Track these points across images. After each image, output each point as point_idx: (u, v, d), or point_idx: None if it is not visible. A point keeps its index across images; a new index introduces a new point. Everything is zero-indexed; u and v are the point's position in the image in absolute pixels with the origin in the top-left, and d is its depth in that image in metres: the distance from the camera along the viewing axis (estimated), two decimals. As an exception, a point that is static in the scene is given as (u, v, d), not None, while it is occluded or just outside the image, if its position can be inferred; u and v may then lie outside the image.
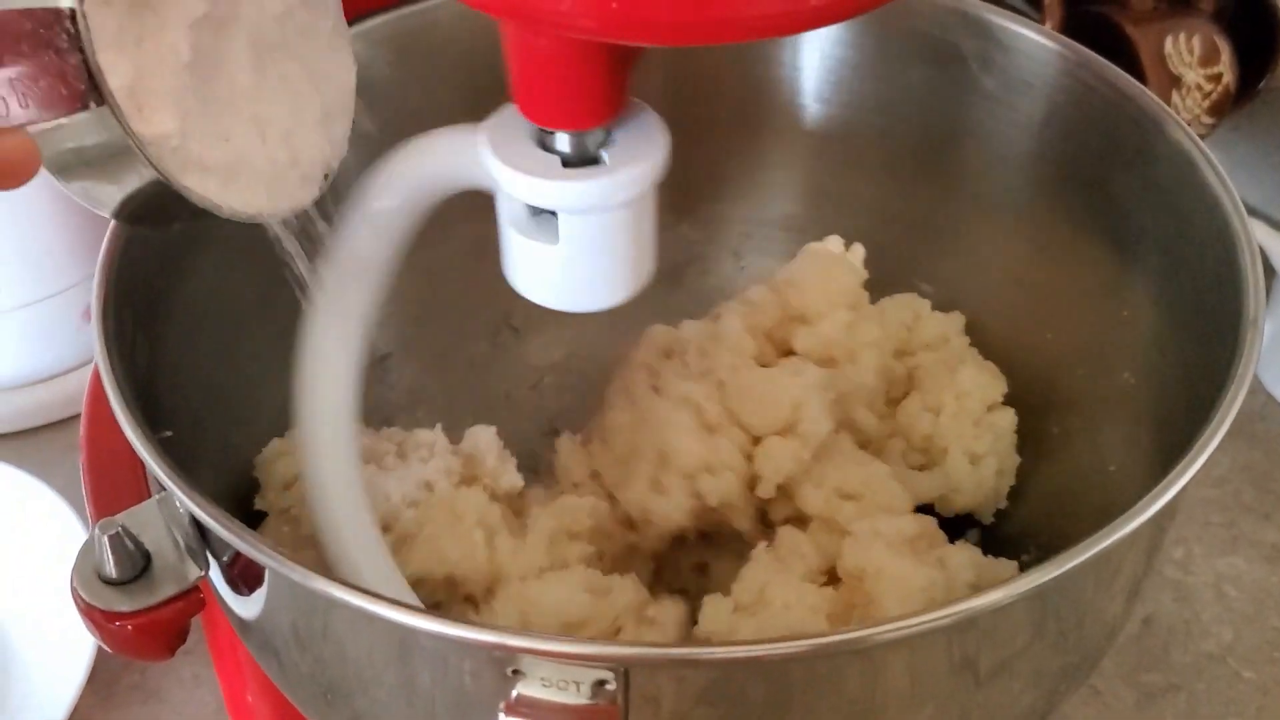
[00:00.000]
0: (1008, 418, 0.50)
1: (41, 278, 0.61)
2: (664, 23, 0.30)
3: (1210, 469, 0.35)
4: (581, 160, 0.35)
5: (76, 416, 0.64)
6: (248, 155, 0.35)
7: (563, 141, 0.35)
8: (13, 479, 0.57)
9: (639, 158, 0.35)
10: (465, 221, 0.42)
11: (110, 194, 0.34)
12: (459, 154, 0.37)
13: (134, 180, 0.33)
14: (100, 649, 0.51)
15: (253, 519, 0.46)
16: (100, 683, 0.53)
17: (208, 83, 0.34)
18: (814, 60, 0.52)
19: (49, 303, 0.61)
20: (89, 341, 0.63)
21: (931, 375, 0.51)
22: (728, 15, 0.29)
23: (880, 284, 0.55)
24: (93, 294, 0.37)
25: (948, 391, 0.50)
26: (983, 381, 0.50)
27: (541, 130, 0.35)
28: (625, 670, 0.29)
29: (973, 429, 0.49)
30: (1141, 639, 0.54)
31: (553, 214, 0.35)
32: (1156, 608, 0.55)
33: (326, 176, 0.37)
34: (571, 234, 0.35)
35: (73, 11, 0.29)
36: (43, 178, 0.56)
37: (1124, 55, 0.66)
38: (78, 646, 0.51)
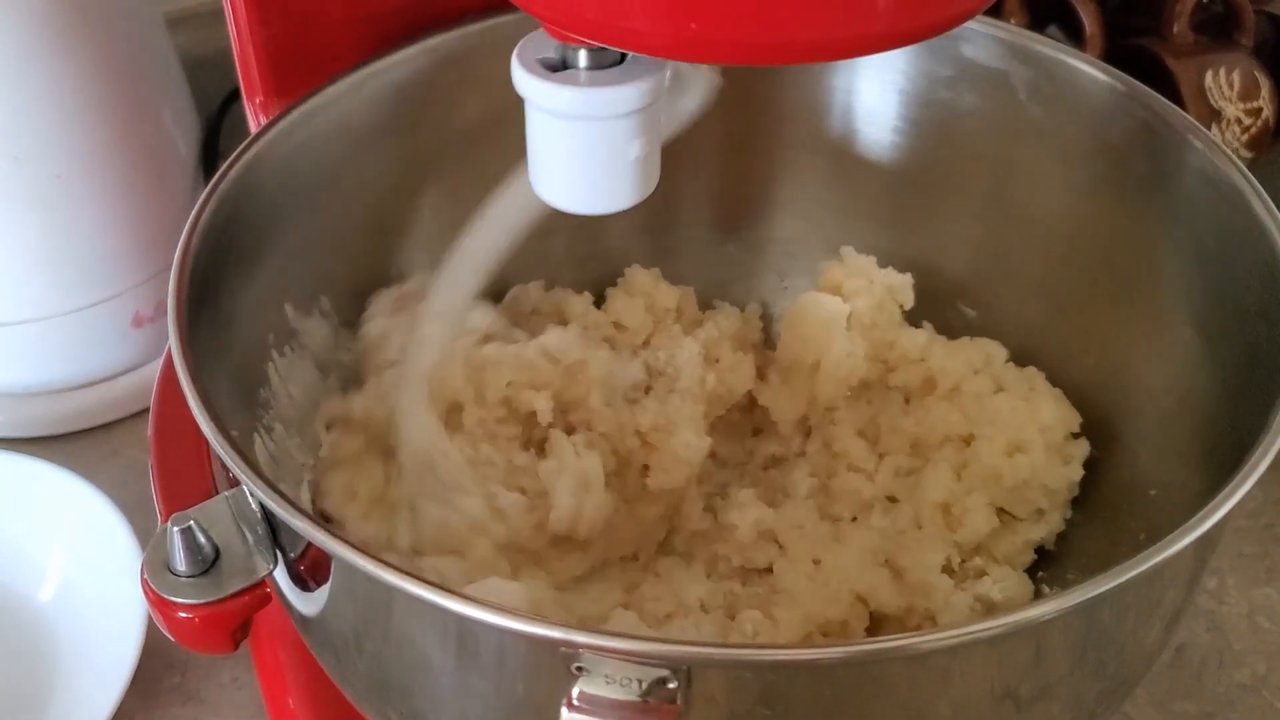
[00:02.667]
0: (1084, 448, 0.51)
1: (93, 283, 0.62)
2: (729, 43, 0.31)
3: (1244, 501, 0.35)
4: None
5: (122, 420, 0.66)
6: None
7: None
8: (61, 481, 0.58)
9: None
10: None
11: None
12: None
13: None
14: (144, 650, 0.52)
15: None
16: (142, 684, 0.53)
17: None
18: (866, 86, 0.53)
19: (99, 308, 0.62)
20: (135, 348, 0.65)
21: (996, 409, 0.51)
22: (792, 39, 0.30)
23: (923, 307, 0.55)
24: (169, 292, 0.38)
25: (1030, 427, 0.50)
26: (1062, 413, 0.51)
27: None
28: (687, 669, 0.29)
29: (1062, 467, 0.50)
30: (1175, 667, 0.54)
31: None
32: (1190, 637, 0.55)
33: None
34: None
35: None
36: (99, 184, 0.58)
37: (1164, 88, 0.66)
38: (122, 647, 0.52)
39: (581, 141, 0.36)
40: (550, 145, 0.37)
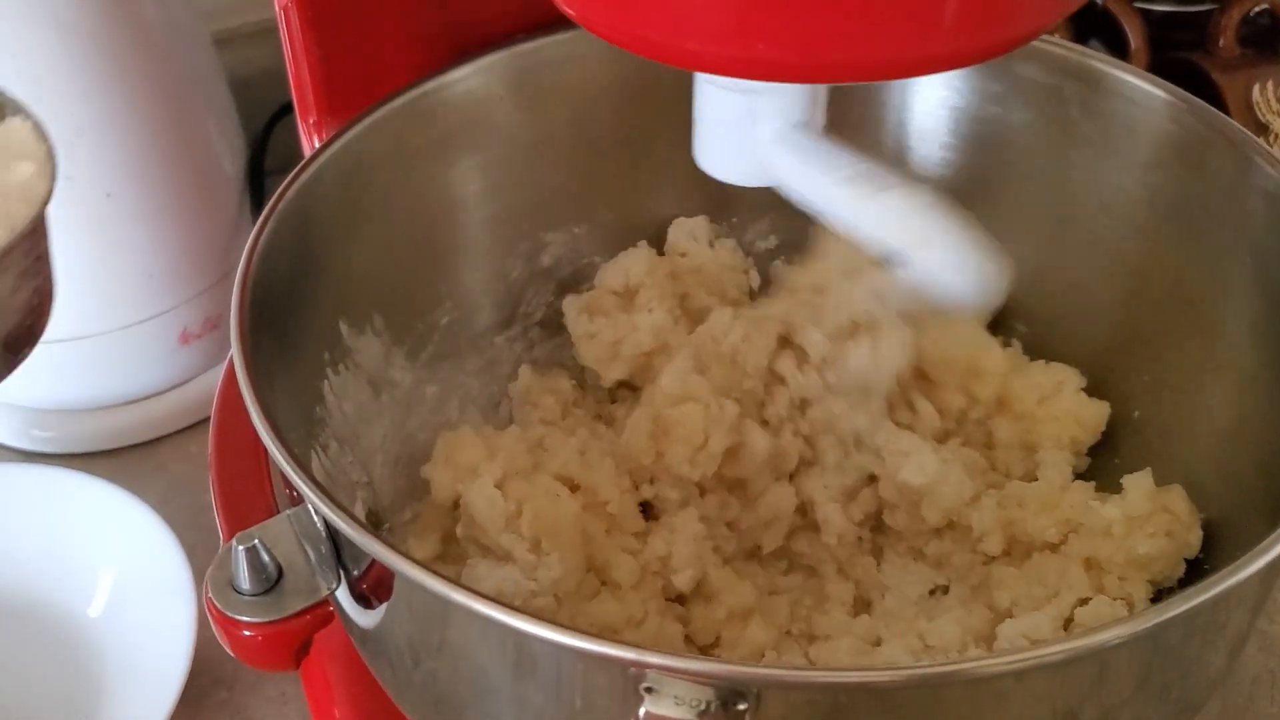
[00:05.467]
0: None
1: (141, 301, 0.62)
2: (794, 64, 0.31)
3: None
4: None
5: (169, 435, 0.67)
6: None
7: None
8: (109, 496, 0.58)
9: None
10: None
11: None
12: None
13: None
14: (192, 665, 0.52)
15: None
16: (189, 698, 0.53)
17: None
18: (918, 103, 0.53)
19: (148, 325, 0.63)
20: (183, 363, 0.66)
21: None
22: (856, 59, 0.30)
23: (976, 323, 0.55)
24: (232, 308, 0.39)
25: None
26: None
27: None
28: (757, 691, 0.29)
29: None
30: (1226, 689, 0.54)
31: None
32: (1242, 657, 0.55)
33: None
34: None
35: None
36: (148, 203, 0.59)
37: (1210, 102, 0.66)
38: (171, 662, 0.52)
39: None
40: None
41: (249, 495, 0.40)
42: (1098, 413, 0.51)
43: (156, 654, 0.53)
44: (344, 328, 0.47)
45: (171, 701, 0.51)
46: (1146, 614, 0.32)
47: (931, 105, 0.52)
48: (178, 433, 0.66)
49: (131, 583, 0.56)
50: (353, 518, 0.33)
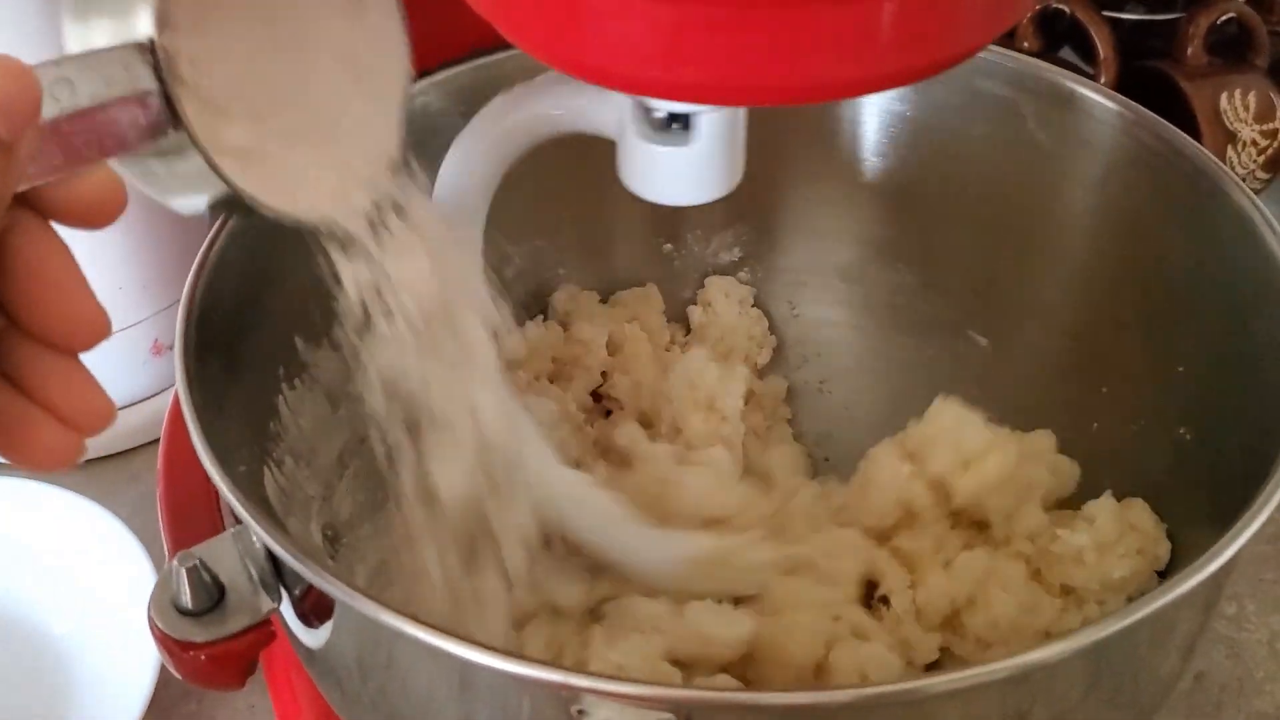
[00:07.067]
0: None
1: (113, 312, 0.61)
2: (728, 87, 0.31)
3: (1264, 526, 0.35)
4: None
5: (140, 446, 0.67)
6: (302, 154, 0.35)
7: None
8: (79, 507, 0.58)
9: None
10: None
11: (166, 179, 0.34)
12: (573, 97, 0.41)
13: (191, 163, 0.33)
14: (160, 677, 0.52)
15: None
16: (157, 710, 0.53)
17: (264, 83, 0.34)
18: (874, 116, 0.53)
19: (119, 336, 0.63)
20: (155, 375, 0.66)
21: None
22: (795, 82, 0.30)
23: (934, 334, 0.55)
24: (176, 331, 0.39)
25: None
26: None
27: None
28: (688, 714, 0.29)
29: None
30: (1194, 695, 0.54)
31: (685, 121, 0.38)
32: (1209, 664, 0.55)
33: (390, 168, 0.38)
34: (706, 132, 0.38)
35: (152, 43, 0.30)
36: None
37: (1179, 110, 0.66)
38: (138, 676, 0.52)
39: None
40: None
41: (196, 512, 0.40)
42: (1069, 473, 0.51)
43: (125, 666, 0.53)
44: (299, 342, 0.47)
45: (139, 714, 0.51)
46: (1089, 630, 0.32)
47: (887, 119, 0.52)
48: (150, 444, 0.66)
49: (100, 595, 0.56)
50: (288, 538, 0.33)
